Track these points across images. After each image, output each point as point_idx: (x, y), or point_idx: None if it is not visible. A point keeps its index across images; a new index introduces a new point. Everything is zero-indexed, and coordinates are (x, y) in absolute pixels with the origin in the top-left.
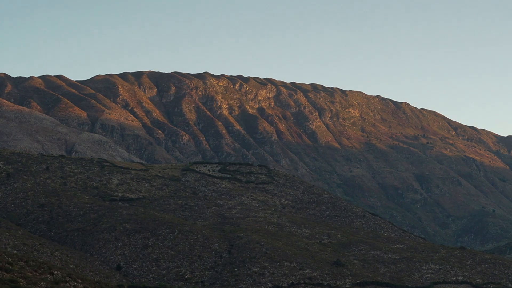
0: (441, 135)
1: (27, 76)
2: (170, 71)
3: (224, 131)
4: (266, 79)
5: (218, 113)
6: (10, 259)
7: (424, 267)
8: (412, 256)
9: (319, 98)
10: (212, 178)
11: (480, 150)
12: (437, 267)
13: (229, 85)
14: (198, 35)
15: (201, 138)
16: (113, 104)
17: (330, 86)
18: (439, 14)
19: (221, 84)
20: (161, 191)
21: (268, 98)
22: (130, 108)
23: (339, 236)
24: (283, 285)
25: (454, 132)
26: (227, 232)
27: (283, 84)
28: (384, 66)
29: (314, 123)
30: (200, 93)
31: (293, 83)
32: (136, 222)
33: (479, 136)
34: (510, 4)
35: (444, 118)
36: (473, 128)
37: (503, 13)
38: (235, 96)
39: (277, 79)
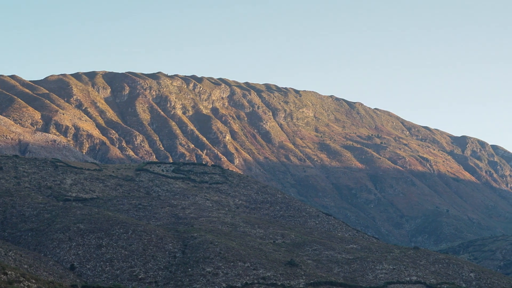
0: (395, 135)
1: None
2: (124, 71)
3: (178, 131)
4: (220, 79)
5: (172, 113)
6: None
7: (378, 267)
8: (366, 256)
9: (273, 98)
10: (166, 178)
11: (434, 150)
12: (391, 267)
13: (183, 85)
14: (151, 35)
15: (155, 138)
16: (67, 104)
17: (284, 86)
18: (391, 13)
19: (175, 84)
20: (115, 191)
21: (222, 98)
22: (84, 108)
23: (293, 236)
24: (237, 285)
25: (408, 132)
26: (181, 232)
27: (237, 84)
28: (337, 66)
29: (268, 123)
30: (153, 93)
31: (246, 83)
32: (90, 222)
33: (433, 136)
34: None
35: (398, 118)
36: (426, 128)
37: (454, 10)
38: (188, 96)
39: (230, 79)
